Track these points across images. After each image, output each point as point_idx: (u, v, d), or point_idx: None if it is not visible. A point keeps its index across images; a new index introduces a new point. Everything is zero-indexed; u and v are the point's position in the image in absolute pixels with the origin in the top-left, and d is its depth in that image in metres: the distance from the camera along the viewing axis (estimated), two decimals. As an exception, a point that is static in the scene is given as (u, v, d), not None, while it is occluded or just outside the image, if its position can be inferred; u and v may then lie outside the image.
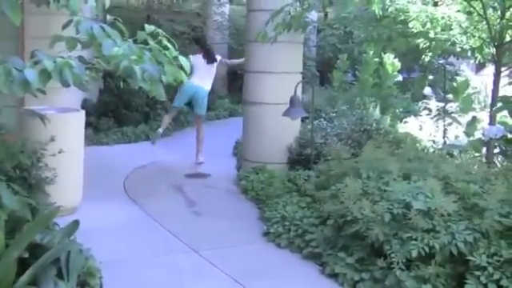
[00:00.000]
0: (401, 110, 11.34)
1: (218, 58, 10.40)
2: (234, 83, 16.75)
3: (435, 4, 7.93)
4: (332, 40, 16.41)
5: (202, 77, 10.02)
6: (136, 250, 6.11)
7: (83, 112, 7.36)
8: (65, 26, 3.40)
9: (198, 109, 10.17)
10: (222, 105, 15.59)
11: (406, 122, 10.38)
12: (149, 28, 3.45)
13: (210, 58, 10.09)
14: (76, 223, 4.95)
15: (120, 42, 3.20)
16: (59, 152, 6.18)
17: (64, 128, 6.65)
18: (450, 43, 7.83)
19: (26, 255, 4.25)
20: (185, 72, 3.47)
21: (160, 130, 10.29)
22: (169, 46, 3.45)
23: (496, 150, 7.50)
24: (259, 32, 8.18)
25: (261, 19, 8.18)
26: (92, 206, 7.05)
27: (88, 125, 9.28)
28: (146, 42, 3.41)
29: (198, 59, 10.00)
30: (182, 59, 3.48)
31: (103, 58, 3.16)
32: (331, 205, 5.96)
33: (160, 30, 3.47)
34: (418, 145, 8.30)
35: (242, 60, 10.44)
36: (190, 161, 10.09)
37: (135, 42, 3.36)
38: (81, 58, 3.37)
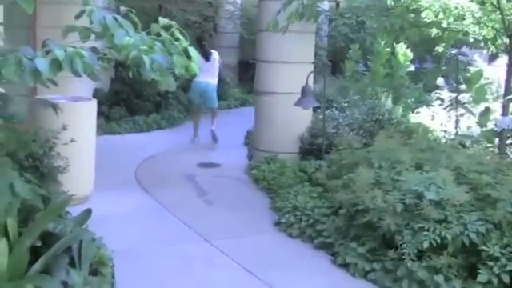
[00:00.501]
0: (413, 100, 11.28)
1: (216, 56, 11.06)
2: (245, 73, 16.73)
3: (448, -6, 7.86)
4: (344, 30, 16.33)
5: (206, 74, 10.63)
6: (148, 238, 6.12)
7: (95, 101, 7.37)
8: (78, 17, 3.39)
9: (209, 102, 10.92)
10: (233, 94, 15.59)
11: (418, 113, 10.32)
12: (163, 21, 3.44)
13: (205, 56, 10.72)
14: (88, 212, 4.96)
15: (132, 32, 3.19)
16: (71, 141, 6.19)
17: (76, 117, 6.65)
18: (462, 33, 7.77)
19: (39, 244, 4.26)
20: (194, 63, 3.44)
21: (196, 133, 11.16)
22: (180, 37, 3.43)
23: (509, 141, 7.45)
24: (271, 21, 8.11)
25: (273, 9, 8.13)
26: (104, 195, 7.07)
27: (100, 114, 9.29)
28: (158, 34, 3.39)
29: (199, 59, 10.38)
30: (192, 50, 3.46)
31: (115, 47, 3.15)
32: (343, 194, 5.95)
33: (173, 23, 3.45)
34: (430, 135, 8.27)
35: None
36: (202, 150, 10.13)
37: (149, 33, 3.35)
38: (93, 48, 3.36)
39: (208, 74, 10.73)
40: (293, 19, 7.80)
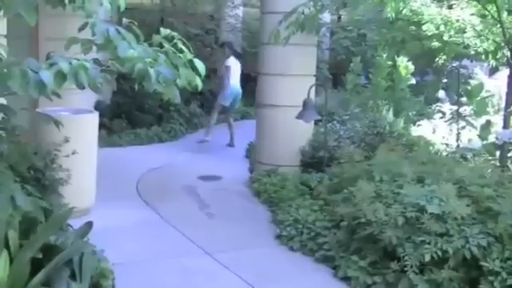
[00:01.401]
0: (414, 113, 11.28)
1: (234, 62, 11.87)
2: (246, 85, 16.73)
3: (449, 7, 7.90)
4: (345, 42, 16.36)
5: (237, 77, 11.86)
6: (149, 251, 6.12)
7: (97, 113, 7.38)
8: (81, 29, 3.40)
9: (237, 104, 12.36)
10: (235, 107, 15.59)
11: (419, 125, 10.32)
12: (164, 31, 3.44)
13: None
14: (89, 224, 4.96)
15: (135, 44, 3.20)
16: (73, 153, 6.20)
17: (78, 129, 6.67)
18: (463, 46, 7.81)
19: (40, 256, 4.26)
20: (199, 75, 3.44)
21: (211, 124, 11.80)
22: (184, 49, 3.43)
23: (510, 154, 7.45)
24: (272, 32, 8.06)
25: (274, 21, 8.13)
26: (105, 208, 7.06)
27: (101, 126, 9.29)
28: (160, 45, 3.39)
29: (232, 61, 11.67)
30: (198, 62, 3.45)
31: (118, 60, 3.16)
32: (344, 208, 5.95)
33: (175, 34, 3.46)
34: (431, 148, 8.26)
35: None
36: (203, 162, 10.15)
37: (150, 45, 3.35)
38: (96, 60, 3.38)
39: (238, 77, 11.90)
40: (293, 29, 7.79)
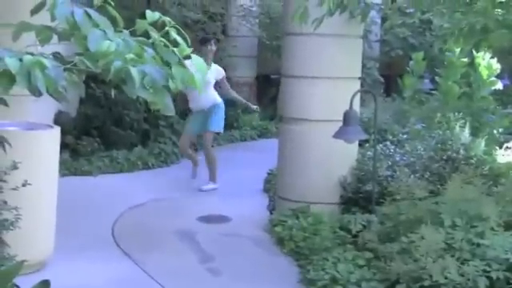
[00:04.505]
0: (500, 130, 11.24)
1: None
2: (265, 92, 16.77)
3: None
4: (402, 32, 16.36)
5: None
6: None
7: (58, 129, 7.38)
8: (35, 11, 3.40)
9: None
10: (249, 122, 15.59)
11: (508, 149, 10.28)
12: (151, 16, 3.43)
13: None
14: (45, 284, 4.94)
15: (112, 33, 3.18)
16: (24, 185, 6.18)
17: (31, 151, 6.67)
18: None
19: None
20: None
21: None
22: (179, 40, 3.42)
23: None
24: (297, 10, 7.73)
25: (303, 3, 8.13)
26: (68, 261, 7.07)
27: (64, 147, 9.31)
28: (147, 35, 3.38)
29: None
30: (197, 59, 3.43)
31: (88, 55, 3.14)
32: (401, 263, 5.92)
33: (167, 19, 3.44)
34: (524, 181, 8.22)
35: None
36: (205, 198, 10.16)
37: (133, 33, 3.34)
38: (57, 55, 3.36)
39: None
40: (329, 5, 7.62)
